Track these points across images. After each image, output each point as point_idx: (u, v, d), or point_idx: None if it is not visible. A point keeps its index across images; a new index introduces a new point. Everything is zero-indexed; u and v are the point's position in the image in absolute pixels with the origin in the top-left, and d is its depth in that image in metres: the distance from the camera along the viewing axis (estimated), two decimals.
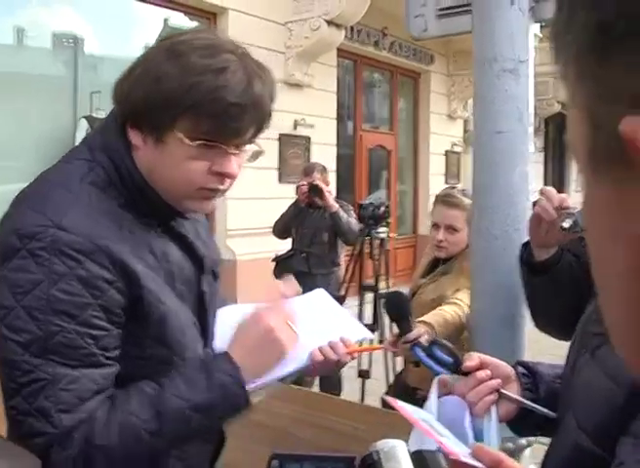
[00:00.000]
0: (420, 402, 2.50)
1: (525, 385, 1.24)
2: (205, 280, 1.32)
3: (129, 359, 1.14)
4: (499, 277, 1.95)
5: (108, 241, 1.10)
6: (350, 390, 4.45)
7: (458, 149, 12.64)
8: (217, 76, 1.10)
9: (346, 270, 4.71)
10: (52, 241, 1.05)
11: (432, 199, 9.39)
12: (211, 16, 7.49)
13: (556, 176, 19.60)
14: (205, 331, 1.31)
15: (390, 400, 1.20)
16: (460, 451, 0.81)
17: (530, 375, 1.27)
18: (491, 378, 1.22)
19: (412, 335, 1.69)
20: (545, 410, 1.18)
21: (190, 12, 7.38)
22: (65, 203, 1.10)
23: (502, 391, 1.21)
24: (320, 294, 1.95)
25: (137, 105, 1.13)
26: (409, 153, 12.09)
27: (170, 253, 1.23)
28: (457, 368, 1.26)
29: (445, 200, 2.68)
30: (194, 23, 7.42)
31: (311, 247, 5.01)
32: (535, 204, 2.87)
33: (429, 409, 1.17)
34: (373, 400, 3.73)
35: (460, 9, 2.15)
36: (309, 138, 8.56)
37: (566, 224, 1.56)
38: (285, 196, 6.52)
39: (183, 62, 1.10)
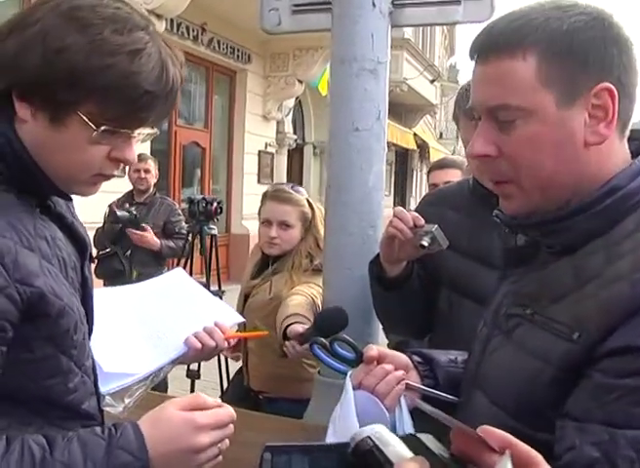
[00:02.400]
0: (264, 405, 2.51)
1: (423, 373, 1.28)
2: (86, 265, 1.19)
3: (17, 365, 1.00)
4: (354, 272, 1.98)
5: None
6: (178, 391, 4.31)
7: (271, 150, 12.79)
8: (131, 59, 1.01)
9: (177, 265, 4.57)
10: None
11: (245, 198, 9.48)
12: None
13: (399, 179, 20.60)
14: (89, 321, 1.19)
15: None
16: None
17: (425, 363, 1.30)
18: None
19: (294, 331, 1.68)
20: (450, 397, 1.21)
21: None
22: None
23: (407, 381, 1.23)
24: (179, 274, 1.88)
25: (29, 74, 1.00)
26: (223, 151, 12.05)
27: (57, 238, 1.10)
28: (359, 363, 1.25)
29: (276, 195, 2.61)
30: None
31: (136, 246, 4.80)
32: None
33: (347, 406, 1.15)
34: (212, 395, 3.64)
35: (317, 6, 2.15)
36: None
37: (425, 242, 1.62)
38: (100, 190, 6.22)
39: (93, 36, 0.99)
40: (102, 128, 1.02)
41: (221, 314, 1.72)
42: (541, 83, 0.99)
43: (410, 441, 0.70)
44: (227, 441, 1.09)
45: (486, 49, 1.02)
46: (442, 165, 3.45)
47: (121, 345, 1.49)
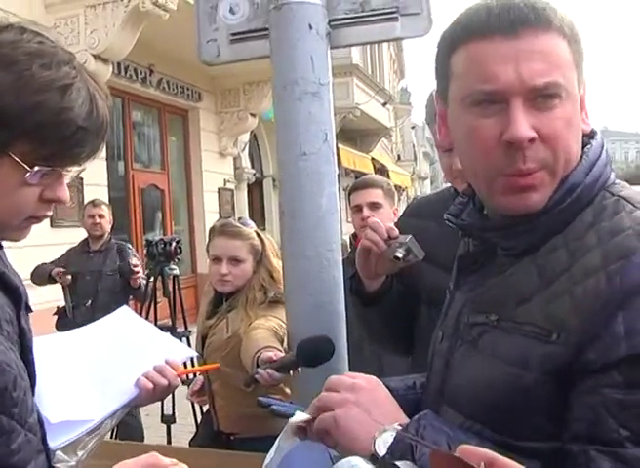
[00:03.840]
0: (237, 446, 2.43)
1: None
2: (22, 315, 1.11)
3: None
4: (315, 298, 1.93)
5: None
6: (155, 438, 4.19)
7: (230, 186, 12.76)
8: (62, 95, 0.98)
9: (140, 312, 4.48)
10: None
11: (207, 238, 9.38)
12: None
13: None
14: (31, 374, 1.11)
15: None
16: None
17: None
18: None
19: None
20: None
21: None
22: None
23: None
24: (126, 313, 1.83)
25: None
26: (182, 192, 12.00)
27: None
28: None
29: (224, 230, 2.56)
30: None
31: (96, 295, 4.70)
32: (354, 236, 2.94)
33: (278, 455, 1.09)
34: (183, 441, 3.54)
35: (255, 33, 2.12)
36: (82, 179, 8.15)
37: (399, 254, 1.57)
38: (58, 242, 6.13)
39: (20, 73, 0.95)
40: (36, 168, 0.99)
41: (172, 350, 1.67)
42: (574, 62, 0.99)
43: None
44: None
45: (519, 22, 0.95)
46: (363, 185, 3.22)
47: (68, 394, 1.42)
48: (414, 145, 30.09)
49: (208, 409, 2.78)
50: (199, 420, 3.91)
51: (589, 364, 0.86)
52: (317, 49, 1.96)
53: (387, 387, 1.25)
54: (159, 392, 1.54)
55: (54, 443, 1.21)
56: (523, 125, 0.94)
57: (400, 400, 1.21)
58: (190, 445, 2.86)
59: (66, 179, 1.07)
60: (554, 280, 0.94)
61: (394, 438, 0.94)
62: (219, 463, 2.06)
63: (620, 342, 0.84)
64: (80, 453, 1.34)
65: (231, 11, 2.20)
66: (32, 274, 4.86)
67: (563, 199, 0.98)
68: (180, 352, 1.70)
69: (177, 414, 4.06)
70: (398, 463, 0.70)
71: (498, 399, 0.95)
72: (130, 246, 5.12)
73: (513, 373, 0.93)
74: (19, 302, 1.11)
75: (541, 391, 0.91)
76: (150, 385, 1.51)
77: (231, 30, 2.19)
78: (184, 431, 4.31)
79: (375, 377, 1.10)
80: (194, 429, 3.97)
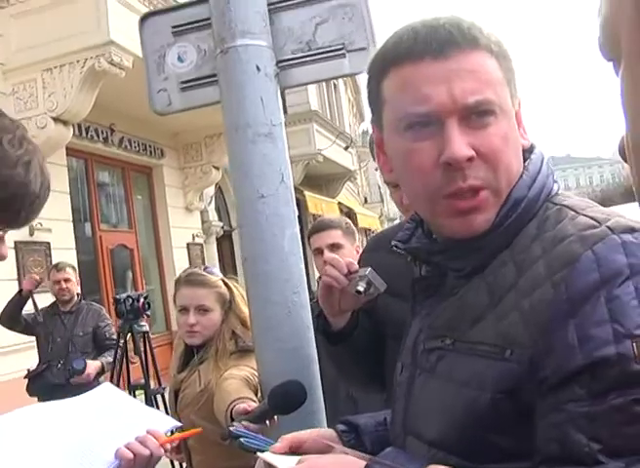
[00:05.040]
0: None
1: (349, 443, 1.19)
2: None
3: None
4: (285, 343, 1.88)
5: None
6: None
7: (199, 240, 12.69)
8: (26, 170, 1.07)
9: (112, 373, 4.37)
10: None
11: None
12: None
13: None
14: None
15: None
16: None
17: (350, 430, 1.22)
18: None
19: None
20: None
21: None
22: None
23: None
24: (108, 389, 1.78)
25: None
26: (151, 249, 11.90)
27: None
28: None
29: (190, 279, 2.50)
30: None
31: (68, 355, 4.60)
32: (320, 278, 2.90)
33: None
34: None
35: (204, 80, 2.11)
36: (49, 244, 8.03)
37: (360, 288, 1.54)
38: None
39: None
40: None
41: (155, 421, 1.62)
42: (505, 79, 0.99)
43: None
44: None
45: (447, 43, 0.95)
46: (320, 227, 3.14)
47: None
48: (379, 186, 30.34)
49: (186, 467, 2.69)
50: None
51: (547, 380, 0.84)
52: (267, 90, 1.95)
53: (356, 425, 1.22)
54: (140, 462, 1.48)
55: None
56: (460, 144, 0.93)
57: (369, 437, 1.18)
58: None
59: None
60: (504, 296, 0.92)
61: (366, 465, 0.92)
62: None
63: (574, 352, 0.81)
64: None
65: (179, 59, 2.19)
66: (1, 318, 4.79)
67: (508, 215, 0.97)
68: (163, 423, 1.65)
69: None
70: None
71: (458, 423, 0.93)
72: (103, 310, 5.04)
73: (470, 396, 0.91)
74: None
75: (499, 410, 0.88)
76: (130, 455, 1.45)
77: (181, 78, 2.17)
78: None
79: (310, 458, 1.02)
80: None
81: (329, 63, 2.04)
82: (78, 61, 7.64)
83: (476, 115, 0.95)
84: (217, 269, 2.59)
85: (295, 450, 1.10)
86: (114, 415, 1.61)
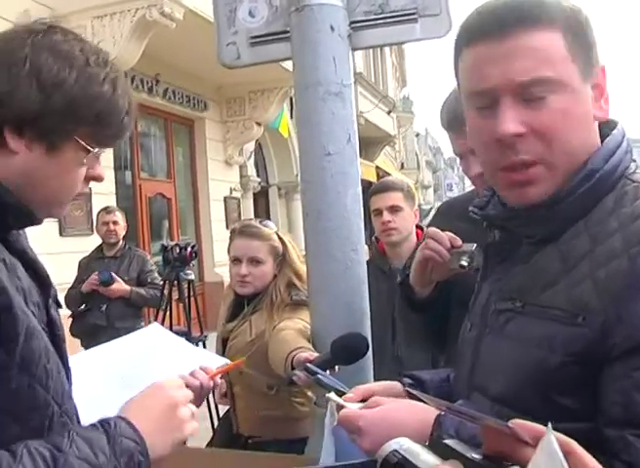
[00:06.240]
0: (254, 449, 2.41)
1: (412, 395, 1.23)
2: (52, 305, 1.13)
3: None
4: (340, 298, 1.93)
5: None
6: None
7: (236, 195, 12.77)
8: (114, 87, 1.11)
9: (155, 317, 4.47)
10: None
11: (215, 245, 9.36)
12: None
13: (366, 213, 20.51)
14: (65, 367, 1.11)
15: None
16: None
17: (417, 385, 1.27)
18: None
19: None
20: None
21: None
22: None
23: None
24: (157, 329, 1.84)
25: (27, 109, 1.03)
26: (189, 200, 12.00)
27: (17, 268, 1.04)
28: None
29: (245, 231, 2.53)
30: None
31: (111, 300, 4.70)
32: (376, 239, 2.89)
33: (327, 438, 1.10)
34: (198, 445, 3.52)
35: (275, 36, 2.13)
36: (90, 189, 8.15)
37: (464, 262, 1.57)
38: (68, 250, 6.15)
39: (82, 69, 1.07)
40: (97, 150, 1.11)
41: (205, 359, 1.69)
42: (571, 54, 1.00)
43: (438, 447, 0.66)
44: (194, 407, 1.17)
45: (507, 23, 0.99)
46: (382, 188, 3.09)
47: (99, 407, 1.43)
48: (417, 154, 30.10)
49: (226, 413, 2.77)
50: (215, 425, 3.91)
51: (616, 347, 0.88)
52: (339, 50, 1.98)
53: (422, 380, 1.26)
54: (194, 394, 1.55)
55: None
56: (508, 121, 0.99)
57: (435, 391, 1.24)
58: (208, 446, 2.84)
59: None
60: (577, 264, 0.96)
61: (437, 418, 0.96)
62: (239, 464, 2.05)
63: None
64: None
65: (250, 14, 2.22)
66: (66, 303, 4.85)
67: (581, 184, 1.00)
68: (212, 361, 1.71)
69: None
70: (447, 441, 0.69)
71: (525, 381, 0.98)
72: (148, 256, 5.11)
73: (539, 356, 0.96)
74: (47, 291, 1.13)
75: (567, 372, 0.92)
76: None
77: (251, 33, 2.20)
78: (200, 434, 4.30)
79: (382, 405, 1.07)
80: (210, 433, 3.97)
81: (400, 27, 2.05)
82: (129, 11, 7.64)
83: (532, 92, 0.99)
84: (272, 223, 2.63)
85: (365, 400, 1.16)
86: (165, 355, 1.68)
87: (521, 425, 0.65)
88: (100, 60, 1.11)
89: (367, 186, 3.31)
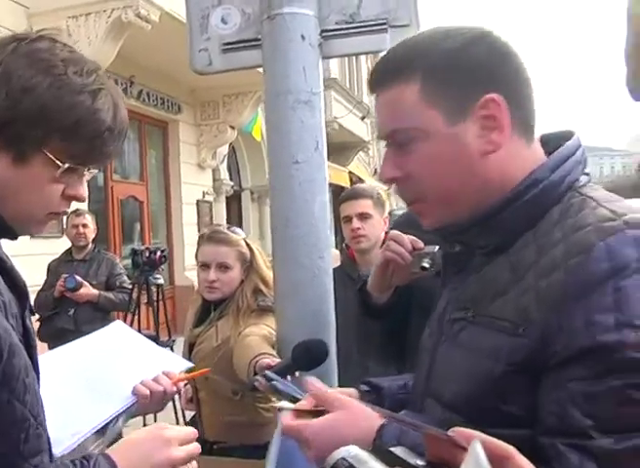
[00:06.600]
0: (219, 455, 2.42)
1: (369, 402, 1.25)
2: (27, 316, 1.13)
3: None
4: (307, 305, 1.95)
5: None
6: None
7: (209, 198, 12.73)
8: (94, 98, 1.06)
9: (124, 321, 4.44)
10: None
11: (187, 249, 9.31)
12: None
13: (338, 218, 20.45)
14: (36, 372, 1.11)
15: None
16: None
17: (373, 391, 1.30)
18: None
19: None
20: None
21: None
22: None
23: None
24: (119, 327, 1.84)
25: None
26: (161, 203, 11.94)
27: None
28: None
29: (213, 237, 2.56)
30: None
31: (79, 303, 4.67)
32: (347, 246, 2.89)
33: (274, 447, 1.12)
34: None
35: (246, 43, 2.15)
36: None
37: (426, 264, 1.59)
38: (38, 252, 6.08)
39: (58, 76, 1.04)
40: (66, 165, 1.06)
41: (168, 362, 1.69)
42: (427, 103, 1.04)
43: (384, 455, 0.68)
44: (195, 463, 1.14)
45: (374, 81, 1.11)
46: (352, 195, 3.09)
47: (62, 406, 1.42)
48: None
49: (192, 418, 2.78)
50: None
51: (553, 357, 0.90)
52: (309, 59, 2.00)
53: (380, 387, 1.28)
54: (155, 400, 1.56)
55: (56, 450, 1.21)
56: (384, 167, 1.12)
57: (391, 400, 1.26)
58: None
59: (85, 179, 1.14)
60: (524, 275, 0.98)
61: (379, 428, 0.98)
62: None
63: (579, 334, 0.88)
64: None
65: (223, 20, 2.23)
66: (36, 307, 4.80)
67: (523, 193, 1.03)
68: (176, 363, 1.72)
69: (158, 422, 4.02)
70: (393, 449, 0.71)
71: (474, 390, 1.00)
72: (117, 259, 5.09)
73: (486, 365, 0.98)
74: (24, 302, 1.13)
75: (510, 381, 0.95)
76: (147, 392, 1.53)
77: (223, 40, 2.21)
78: None
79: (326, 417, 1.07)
80: None
81: (370, 37, 2.08)
82: (105, 11, 7.60)
83: (398, 141, 1.08)
84: (239, 229, 2.65)
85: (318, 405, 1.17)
86: (128, 354, 1.68)
87: (460, 433, 0.67)
88: (82, 72, 1.07)
89: (340, 192, 3.32)
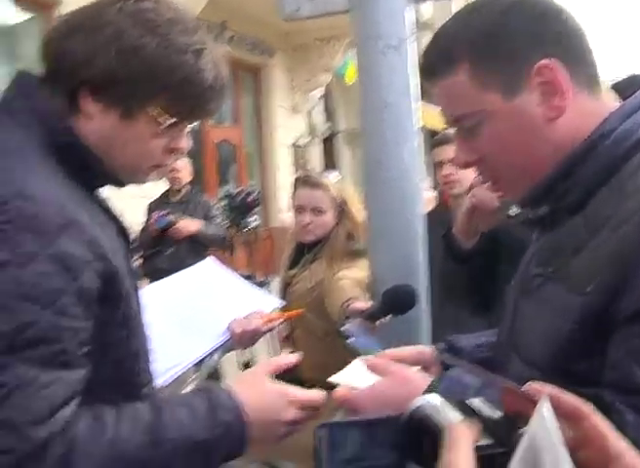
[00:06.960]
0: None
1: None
2: (129, 257, 1.21)
3: (91, 354, 0.99)
4: (399, 249, 1.98)
5: (76, 212, 0.98)
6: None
7: (303, 141, 12.77)
8: (197, 58, 1.09)
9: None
10: (17, 214, 0.91)
11: (280, 192, 9.38)
12: None
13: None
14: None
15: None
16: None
17: (450, 350, 1.28)
18: None
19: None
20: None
21: None
22: (19, 170, 0.97)
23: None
24: (211, 264, 1.89)
25: (104, 73, 1.05)
26: (255, 147, 12.07)
27: (107, 226, 1.12)
28: None
29: (308, 181, 2.61)
30: None
31: (179, 242, 4.85)
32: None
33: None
34: None
35: None
36: None
37: (512, 212, 1.58)
38: (139, 195, 6.28)
39: (164, 36, 1.07)
40: (170, 121, 1.10)
41: (260, 300, 1.74)
42: (481, 85, 1.03)
43: (462, 406, 0.70)
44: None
45: (426, 73, 1.11)
46: (443, 140, 2.89)
47: (160, 341, 1.51)
48: None
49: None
50: None
51: (621, 312, 0.87)
52: (398, 4, 1.98)
53: (457, 346, 1.29)
54: (248, 337, 1.63)
55: (157, 381, 1.30)
56: (458, 153, 1.11)
57: (468, 358, 1.25)
58: None
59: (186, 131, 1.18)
60: (598, 230, 0.95)
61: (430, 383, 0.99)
62: None
63: None
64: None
65: None
66: (139, 246, 5.01)
67: (594, 144, 1.00)
68: (266, 302, 1.76)
69: (255, 361, 4.15)
70: (471, 400, 0.72)
71: (545, 347, 0.99)
72: (212, 202, 5.15)
73: (559, 322, 0.96)
74: (127, 244, 1.21)
75: (581, 340, 0.93)
76: (239, 330, 1.60)
77: None
78: None
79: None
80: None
81: None
82: None
83: (464, 125, 1.07)
84: (334, 174, 2.68)
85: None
86: (221, 292, 1.74)
87: (535, 389, 0.68)
88: (186, 31, 1.09)
89: (434, 135, 3.24)
